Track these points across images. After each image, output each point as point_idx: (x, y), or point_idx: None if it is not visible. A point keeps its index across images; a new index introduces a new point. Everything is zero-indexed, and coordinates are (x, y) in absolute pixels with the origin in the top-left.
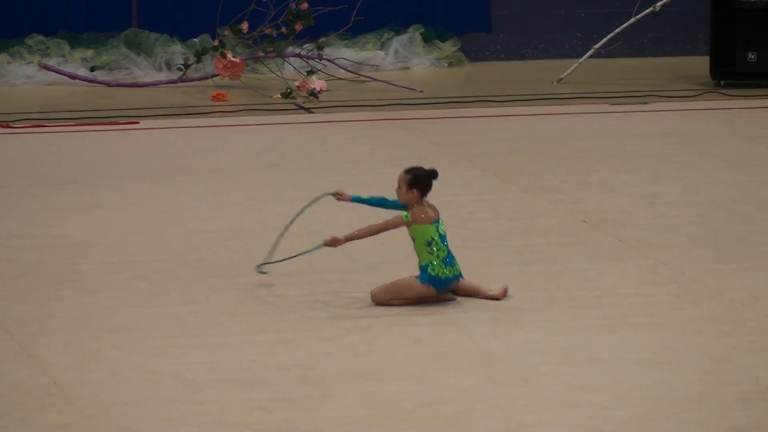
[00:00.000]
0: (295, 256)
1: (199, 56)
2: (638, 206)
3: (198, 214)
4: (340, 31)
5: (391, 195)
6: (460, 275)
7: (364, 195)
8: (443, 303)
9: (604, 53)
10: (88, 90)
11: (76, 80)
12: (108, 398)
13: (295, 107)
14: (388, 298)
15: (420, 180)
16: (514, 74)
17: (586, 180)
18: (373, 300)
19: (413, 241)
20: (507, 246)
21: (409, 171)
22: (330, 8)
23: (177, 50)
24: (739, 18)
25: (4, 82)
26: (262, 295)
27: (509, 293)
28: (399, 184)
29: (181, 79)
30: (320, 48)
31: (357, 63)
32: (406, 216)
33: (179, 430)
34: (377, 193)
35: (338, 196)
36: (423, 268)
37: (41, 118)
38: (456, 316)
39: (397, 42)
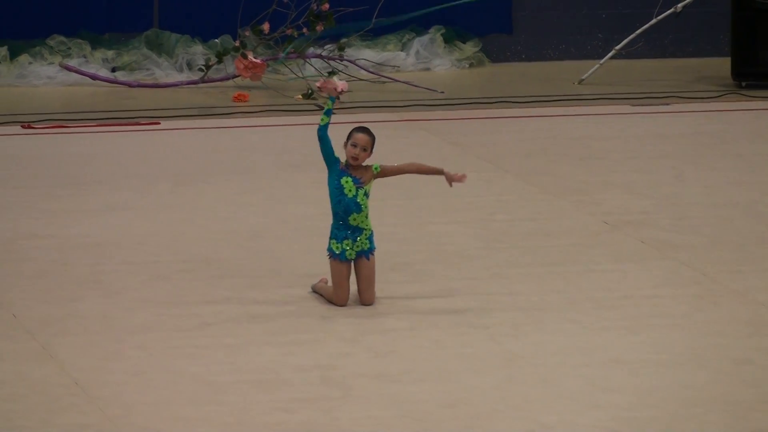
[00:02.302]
0: None
1: (220, 57)
2: (660, 207)
3: (219, 215)
4: (361, 32)
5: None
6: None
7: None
8: (466, 303)
9: (626, 54)
10: (110, 91)
11: (97, 81)
12: (129, 399)
13: (316, 108)
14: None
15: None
16: (536, 75)
17: (608, 181)
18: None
19: (366, 197)
20: (528, 247)
21: (368, 131)
22: (351, 9)
23: (198, 51)
24: (761, 19)
25: (25, 82)
26: (283, 296)
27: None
28: (364, 146)
29: (203, 80)
30: (341, 49)
31: (378, 64)
32: (377, 168)
33: (200, 430)
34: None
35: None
36: (372, 233)
37: (62, 119)
38: (477, 316)
39: (418, 43)
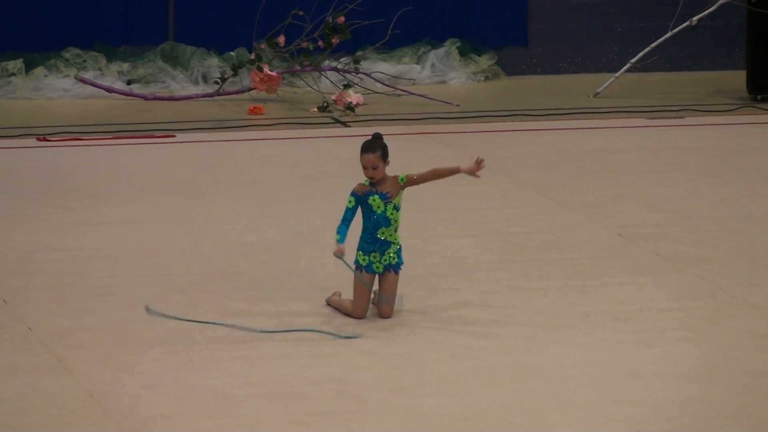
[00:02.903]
0: None
1: (235, 70)
2: (675, 220)
3: (235, 227)
4: (377, 45)
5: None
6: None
7: (341, 233)
8: (481, 316)
9: (641, 67)
10: (125, 103)
11: (113, 93)
12: (144, 412)
13: (331, 121)
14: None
15: (386, 148)
16: (551, 88)
17: (623, 194)
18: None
19: (396, 210)
20: (543, 260)
21: (373, 147)
22: (367, 22)
23: (214, 64)
24: None
25: (41, 95)
26: (299, 309)
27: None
28: (372, 165)
29: (218, 93)
30: (357, 62)
31: (393, 77)
32: (402, 179)
33: None
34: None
35: (338, 253)
36: (401, 248)
37: (78, 132)
38: (492, 329)
39: (434, 56)
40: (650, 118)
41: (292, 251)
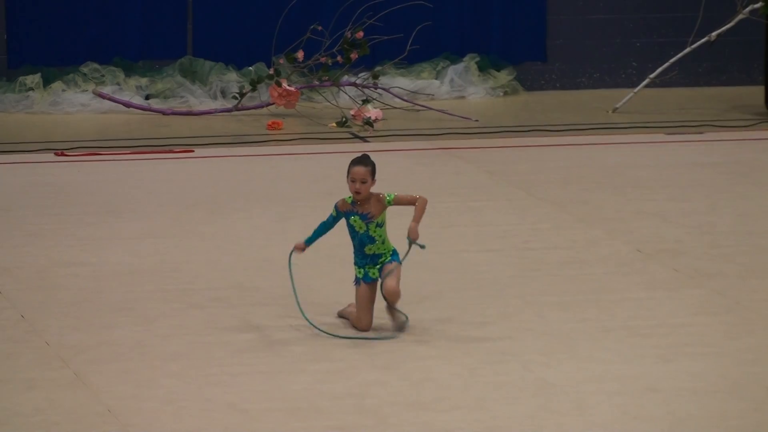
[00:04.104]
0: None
1: (254, 85)
2: (693, 236)
3: (254, 243)
4: (396, 60)
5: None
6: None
7: (311, 234)
8: (499, 331)
9: (660, 83)
10: (143, 118)
11: (131, 108)
12: (163, 427)
13: (350, 136)
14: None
15: (375, 167)
16: (570, 103)
17: (642, 209)
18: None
19: (380, 227)
20: (563, 275)
21: (365, 161)
22: (386, 37)
23: (232, 78)
24: None
25: (59, 110)
26: (317, 323)
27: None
28: (362, 178)
29: (237, 108)
30: (375, 77)
31: (412, 92)
32: (389, 195)
33: None
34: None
35: (298, 251)
36: (395, 251)
37: (96, 146)
38: (510, 345)
39: (453, 71)
40: (669, 134)
41: (310, 267)
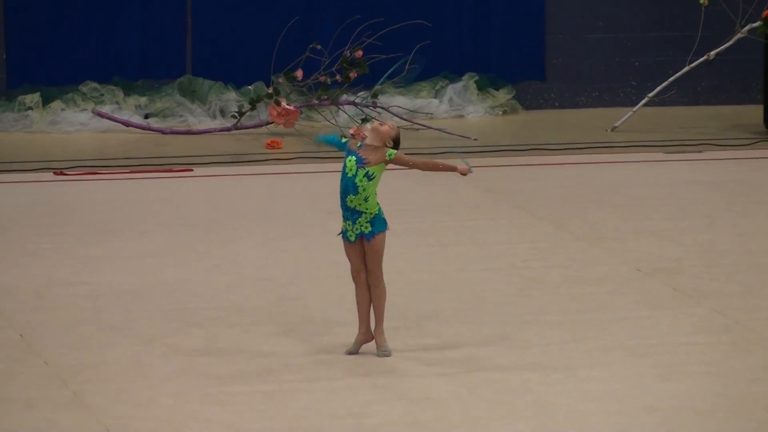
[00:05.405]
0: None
1: (253, 104)
2: (692, 254)
3: (252, 262)
4: (395, 79)
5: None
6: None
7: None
8: (499, 350)
9: (659, 102)
10: (142, 137)
11: (130, 127)
12: None
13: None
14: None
15: (398, 140)
16: (569, 122)
17: (641, 228)
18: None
19: (368, 179)
20: (561, 294)
21: (394, 126)
22: (385, 56)
23: (231, 98)
24: None
25: (58, 129)
26: (316, 343)
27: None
28: (377, 134)
29: (236, 127)
30: (375, 96)
31: (411, 111)
32: (391, 154)
33: None
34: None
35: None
36: (378, 216)
37: (95, 165)
38: (510, 363)
39: (452, 90)
40: (668, 152)
41: (310, 285)
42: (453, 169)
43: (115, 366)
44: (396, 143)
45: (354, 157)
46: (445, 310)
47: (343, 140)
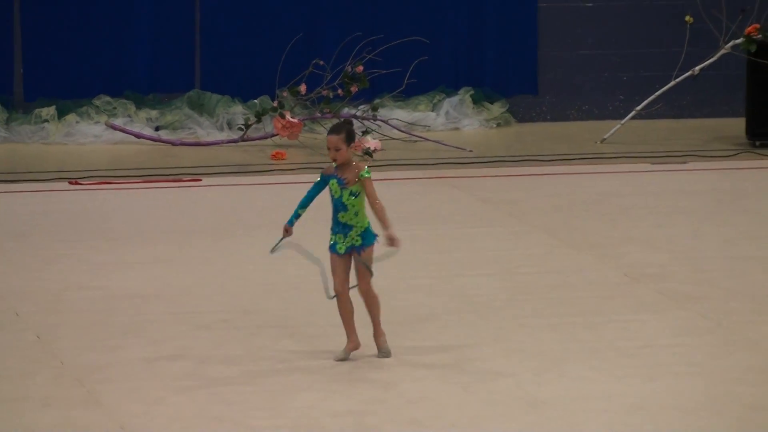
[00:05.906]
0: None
1: (259, 117)
2: (678, 260)
3: (258, 267)
4: (394, 93)
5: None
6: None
7: (294, 213)
8: (493, 352)
9: (646, 115)
10: (153, 149)
11: (142, 139)
12: None
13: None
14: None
15: (352, 133)
16: (560, 135)
17: (628, 235)
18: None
19: (354, 196)
20: (552, 298)
21: (338, 130)
22: (384, 71)
23: (238, 111)
24: None
25: (72, 140)
26: (319, 344)
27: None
28: (335, 146)
29: (242, 139)
30: (375, 109)
31: (410, 123)
32: (367, 172)
33: None
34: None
35: (285, 234)
36: (368, 229)
37: (108, 175)
38: (503, 364)
39: (448, 103)
40: (654, 163)
41: (313, 290)
42: (385, 227)
43: (128, 366)
44: (349, 136)
45: (335, 180)
46: (441, 314)
47: (313, 185)
